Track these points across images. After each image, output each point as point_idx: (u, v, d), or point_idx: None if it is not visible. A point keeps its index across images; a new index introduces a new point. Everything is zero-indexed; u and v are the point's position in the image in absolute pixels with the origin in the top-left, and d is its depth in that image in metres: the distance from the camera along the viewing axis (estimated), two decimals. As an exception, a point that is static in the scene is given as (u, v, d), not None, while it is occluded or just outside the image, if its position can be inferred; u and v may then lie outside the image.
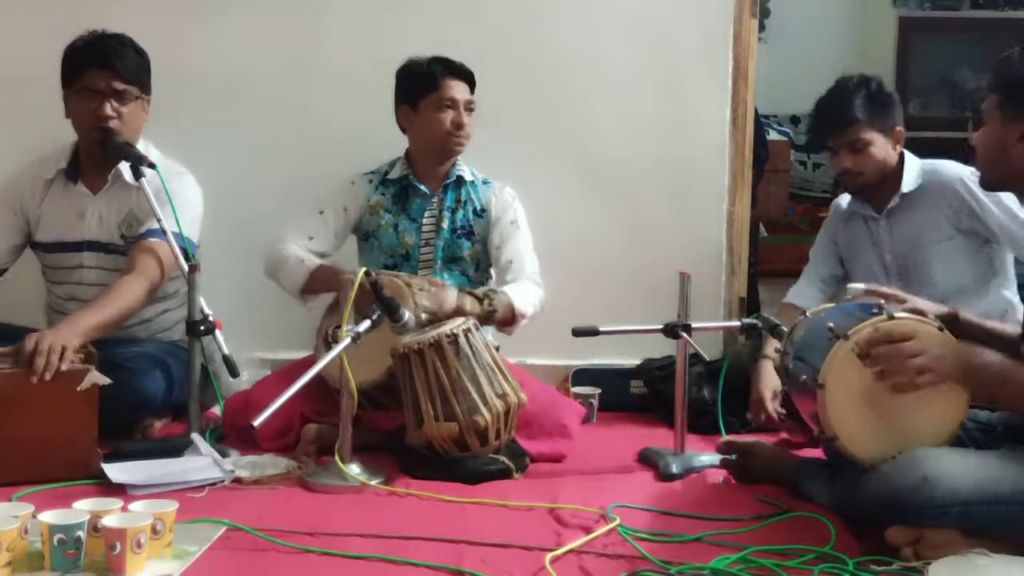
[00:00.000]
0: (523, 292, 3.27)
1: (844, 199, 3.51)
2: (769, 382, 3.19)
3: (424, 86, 3.37)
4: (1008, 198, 3.17)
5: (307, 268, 3.27)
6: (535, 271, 3.37)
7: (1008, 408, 2.48)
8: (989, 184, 2.57)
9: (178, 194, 3.15)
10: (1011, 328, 2.66)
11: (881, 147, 3.28)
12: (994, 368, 2.33)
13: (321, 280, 3.24)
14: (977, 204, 3.24)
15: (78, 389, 2.71)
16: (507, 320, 3.21)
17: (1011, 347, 2.52)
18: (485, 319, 3.14)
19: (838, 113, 3.28)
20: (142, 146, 3.22)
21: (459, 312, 3.05)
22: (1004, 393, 2.35)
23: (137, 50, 3.22)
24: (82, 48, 3.19)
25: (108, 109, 3.14)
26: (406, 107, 3.41)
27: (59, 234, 3.27)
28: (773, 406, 3.16)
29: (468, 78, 3.41)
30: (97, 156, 3.22)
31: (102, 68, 3.14)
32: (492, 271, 3.47)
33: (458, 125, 3.36)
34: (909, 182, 3.31)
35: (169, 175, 3.16)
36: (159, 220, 3.01)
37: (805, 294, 3.45)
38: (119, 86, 3.16)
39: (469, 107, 3.39)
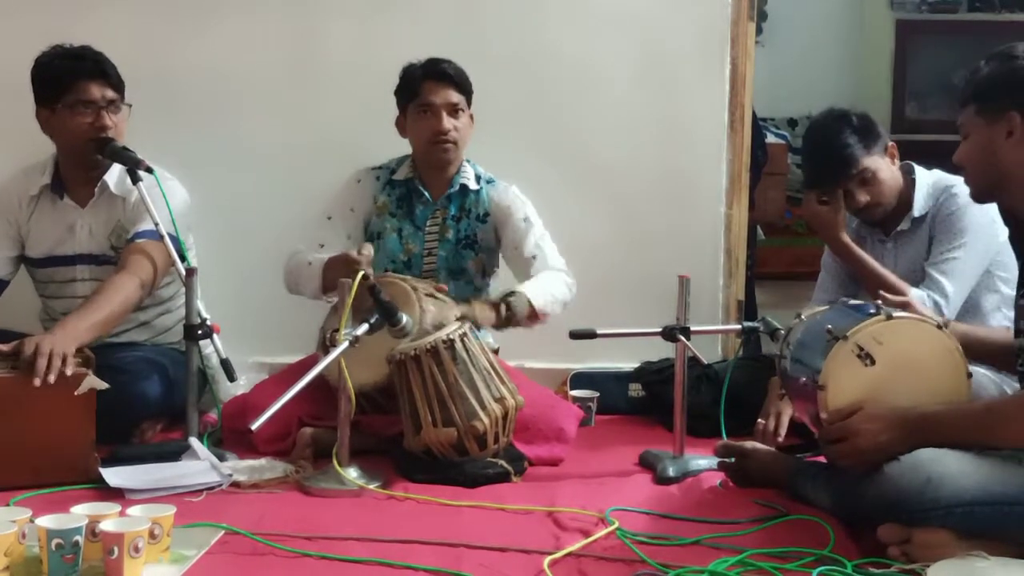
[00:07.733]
0: (543, 286, 3.19)
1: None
2: (773, 408, 3.07)
3: (408, 92, 3.30)
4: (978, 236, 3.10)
5: (317, 268, 3.18)
6: (558, 259, 3.32)
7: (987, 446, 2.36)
8: (982, 194, 2.56)
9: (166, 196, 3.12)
10: (1003, 334, 2.66)
11: (886, 169, 3.20)
12: (938, 417, 2.32)
13: (334, 271, 3.09)
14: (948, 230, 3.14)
15: (75, 394, 2.71)
16: (532, 317, 3.13)
17: (1006, 353, 2.52)
18: (504, 324, 3.10)
19: (837, 156, 3.16)
20: None
21: (473, 324, 2.99)
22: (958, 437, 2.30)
23: (109, 60, 3.19)
24: (68, 61, 3.15)
25: (107, 119, 3.13)
26: (400, 115, 3.37)
27: (50, 249, 3.25)
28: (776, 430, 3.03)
29: (453, 79, 3.27)
30: (83, 169, 3.20)
31: (95, 79, 3.13)
32: (513, 272, 3.38)
33: (436, 132, 3.25)
34: (920, 205, 3.22)
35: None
36: (156, 224, 2.98)
37: None
38: (111, 95, 3.15)
39: (455, 111, 3.27)
